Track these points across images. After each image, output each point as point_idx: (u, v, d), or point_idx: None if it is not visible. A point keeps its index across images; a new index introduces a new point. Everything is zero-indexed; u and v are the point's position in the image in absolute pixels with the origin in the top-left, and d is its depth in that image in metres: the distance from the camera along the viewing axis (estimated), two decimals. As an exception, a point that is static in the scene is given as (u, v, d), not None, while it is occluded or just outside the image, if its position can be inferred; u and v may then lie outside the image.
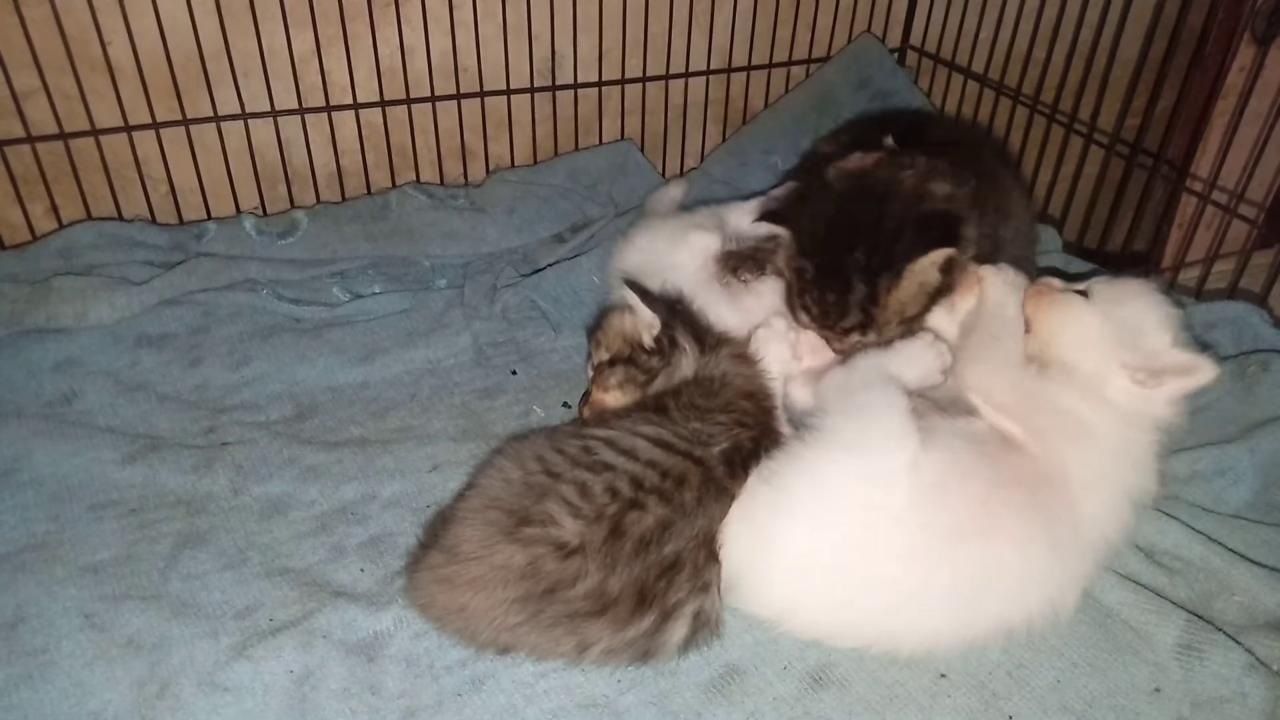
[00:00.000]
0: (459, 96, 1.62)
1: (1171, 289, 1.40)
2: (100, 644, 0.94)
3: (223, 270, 1.42)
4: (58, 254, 1.41)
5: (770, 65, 1.82)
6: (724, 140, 1.84)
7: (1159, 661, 0.95)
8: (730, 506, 0.98)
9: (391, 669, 0.93)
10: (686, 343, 1.12)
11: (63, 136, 1.41)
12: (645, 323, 1.14)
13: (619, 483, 0.94)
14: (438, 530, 1.00)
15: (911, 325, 1.14)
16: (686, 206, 1.52)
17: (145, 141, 1.47)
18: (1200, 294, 1.46)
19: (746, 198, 1.42)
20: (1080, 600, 0.97)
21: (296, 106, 1.54)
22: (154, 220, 1.53)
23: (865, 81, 1.79)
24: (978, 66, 1.78)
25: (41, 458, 1.15)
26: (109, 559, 1.03)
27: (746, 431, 1.04)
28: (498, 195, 1.63)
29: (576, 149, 1.75)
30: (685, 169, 1.85)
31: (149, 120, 1.46)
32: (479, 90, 1.63)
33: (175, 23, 1.41)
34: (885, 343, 1.10)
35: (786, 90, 1.85)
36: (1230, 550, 1.02)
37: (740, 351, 1.14)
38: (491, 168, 1.70)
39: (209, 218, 1.54)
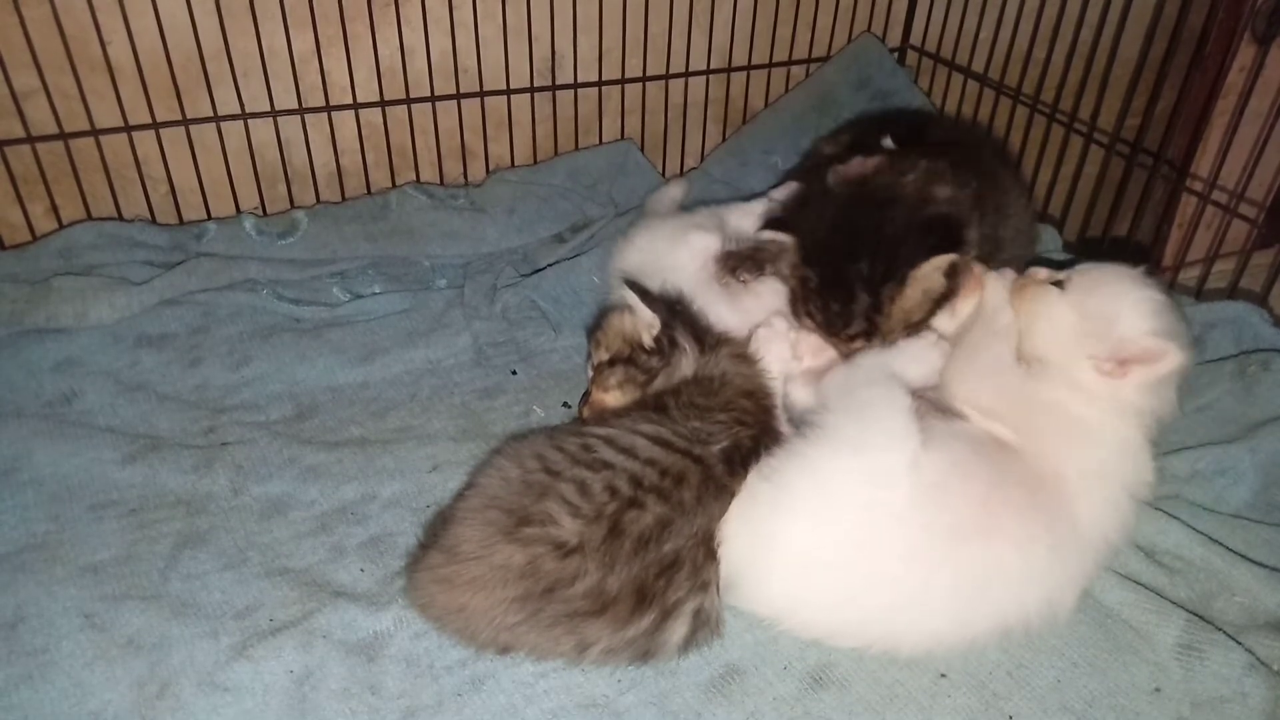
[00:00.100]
0: (459, 96, 1.62)
1: (1172, 289, 1.40)
2: (100, 644, 0.93)
3: (223, 270, 1.42)
4: (58, 254, 1.41)
5: (770, 65, 1.82)
6: (724, 140, 1.84)
7: (1159, 661, 0.94)
8: (730, 504, 0.98)
9: (391, 669, 0.93)
10: (686, 342, 1.12)
11: (63, 136, 1.41)
12: (645, 323, 1.14)
13: (618, 481, 0.94)
14: (437, 530, 1.00)
15: (916, 328, 1.13)
16: (686, 206, 1.52)
17: (145, 141, 1.47)
18: (1200, 294, 1.46)
19: (747, 198, 1.42)
20: (1080, 600, 0.97)
21: (296, 106, 1.54)
22: (154, 220, 1.53)
23: (865, 81, 1.79)
24: (978, 66, 1.78)
25: (41, 458, 1.15)
26: (109, 559, 1.03)
27: (746, 430, 1.03)
28: (498, 195, 1.63)
29: (576, 149, 1.74)
30: (685, 169, 1.85)
31: (149, 120, 1.46)
32: (479, 90, 1.62)
33: (175, 23, 1.41)
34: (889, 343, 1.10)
35: (786, 90, 1.85)
36: (1231, 550, 1.02)
37: (740, 351, 1.14)
38: (491, 168, 1.70)
39: (209, 218, 1.54)
